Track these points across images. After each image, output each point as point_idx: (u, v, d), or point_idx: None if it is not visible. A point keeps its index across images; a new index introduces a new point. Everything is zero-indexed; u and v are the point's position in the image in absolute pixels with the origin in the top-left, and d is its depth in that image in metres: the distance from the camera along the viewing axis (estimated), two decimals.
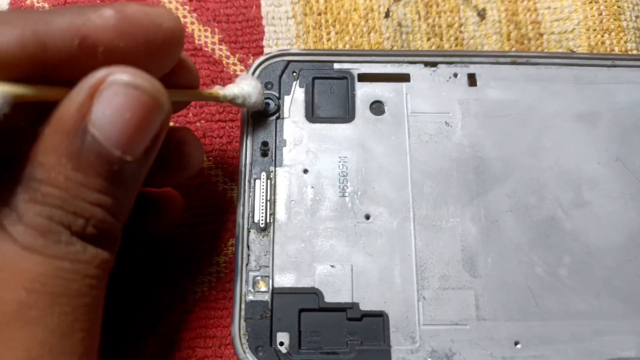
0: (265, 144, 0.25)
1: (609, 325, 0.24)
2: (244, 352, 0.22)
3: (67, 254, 0.16)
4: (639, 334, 0.23)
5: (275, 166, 0.25)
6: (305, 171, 0.25)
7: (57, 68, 0.16)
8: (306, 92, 0.26)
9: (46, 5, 0.28)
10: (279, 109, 0.26)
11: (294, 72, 0.26)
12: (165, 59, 0.19)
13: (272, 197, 0.24)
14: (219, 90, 0.22)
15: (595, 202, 0.25)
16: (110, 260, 0.18)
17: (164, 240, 0.25)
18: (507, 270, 0.24)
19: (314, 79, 0.26)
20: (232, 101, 0.23)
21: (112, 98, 0.16)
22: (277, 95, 0.26)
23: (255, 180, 0.25)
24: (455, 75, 0.27)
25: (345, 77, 0.26)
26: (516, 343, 0.23)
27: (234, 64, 0.28)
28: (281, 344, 0.22)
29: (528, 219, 0.25)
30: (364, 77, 0.27)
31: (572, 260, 0.24)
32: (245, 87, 0.23)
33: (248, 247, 0.24)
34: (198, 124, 0.27)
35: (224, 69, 0.28)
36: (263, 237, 0.24)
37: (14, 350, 0.15)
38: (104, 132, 0.16)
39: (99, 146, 0.16)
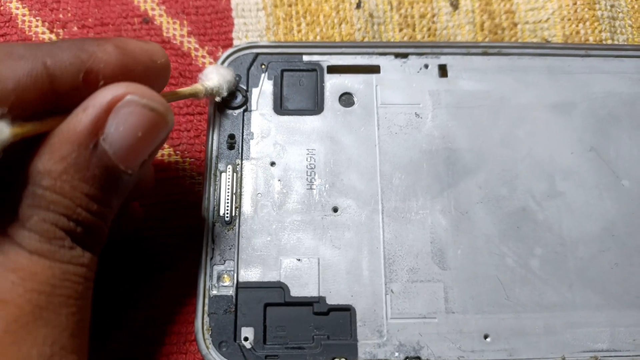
0: (232, 136, 0.25)
1: (582, 317, 0.23)
2: (207, 347, 0.22)
3: (71, 259, 0.17)
4: (612, 325, 0.23)
5: (242, 159, 0.25)
6: (273, 164, 0.25)
7: (61, 97, 0.17)
8: (275, 85, 0.26)
9: (26, 6, 0.28)
10: (246, 101, 0.25)
11: (263, 64, 0.26)
12: (155, 88, 0.19)
13: (238, 190, 0.24)
14: (197, 86, 0.23)
15: (568, 192, 0.25)
16: (97, 262, 0.19)
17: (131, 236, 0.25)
18: (477, 262, 0.23)
19: (282, 71, 0.26)
20: (209, 95, 0.24)
21: (127, 116, 0.17)
22: (245, 87, 0.26)
23: (221, 173, 0.24)
24: (426, 66, 0.26)
25: (314, 69, 0.26)
26: (486, 336, 0.23)
27: (203, 57, 0.27)
28: (246, 339, 0.22)
29: (499, 210, 0.24)
30: (334, 69, 0.26)
31: (545, 252, 0.24)
32: (217, 78, 0.24)
33: (213, 241, 0.23)
34: None
35: (193, 62, 0.27)
36: (228, 230, 0.23)
37: (33, 349, 0.16)
38: (114, 147, 0.17)
39: (108, 159, 0.17)
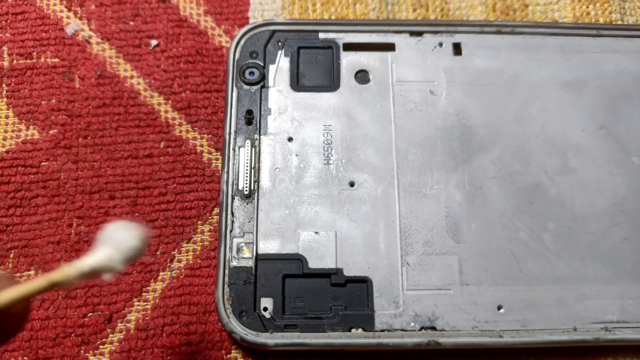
0: (250, 112, 0.25)
1: (593, 289, 0.24)
2: (228, 317, 0.22)
3: None
4: (622, 298, 0.24)
5: (259, 134, 0.25)
6: (290, 139, 0.25)
7: None
8: (291, 61, 0.26)
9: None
10: (263, 77, 0.26)
11: (279, 41, 0.26)
12: None
13: (257, 165, 0.24)
14: (64, 270, 0.16)
15: (580, 168, 0.25)
16: None
17: (148, 209, 0.25)
18: (491, 235, 0.24)
19: (299, 48, 0.26)
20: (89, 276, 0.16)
21: None
22: (262, 64, 0.26)
23: (239, 148, 0.25)
24: (441, 44, 0.27)
25: (330, 46, 0.26)
26: (499, 307, 0.23)
27: (220, 35, 0.28)
28: (265, 309, 0.23)
29: (512, 185, 0.25)
30: (349, 47, 0.26)
31: (557, 226, 0.24)
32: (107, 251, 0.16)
33: (232, 214, 0.24)
34: (183, 95, 0.27)
35: (209, 40, 0.28)
36: (247, 204, 0.24)
37: None
38: None
39: None
